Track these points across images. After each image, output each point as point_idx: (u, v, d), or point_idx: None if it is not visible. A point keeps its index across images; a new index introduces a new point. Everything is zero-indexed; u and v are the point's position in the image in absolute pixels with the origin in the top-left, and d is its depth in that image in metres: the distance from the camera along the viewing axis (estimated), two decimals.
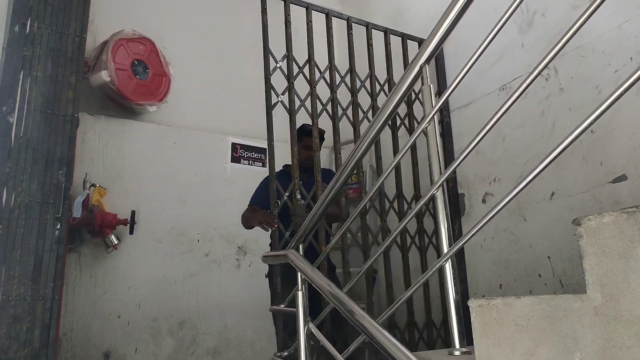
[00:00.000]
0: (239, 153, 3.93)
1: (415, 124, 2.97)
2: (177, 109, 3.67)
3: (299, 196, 2.43)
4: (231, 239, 3.73)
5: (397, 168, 2.76)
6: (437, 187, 1.35)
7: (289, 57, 2.56)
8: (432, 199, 1.39)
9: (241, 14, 3.89)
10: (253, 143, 3.96)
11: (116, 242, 3.15)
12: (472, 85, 2.79)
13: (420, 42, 3.14)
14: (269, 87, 2.49)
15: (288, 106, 2.53)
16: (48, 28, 1.98)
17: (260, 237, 3.31)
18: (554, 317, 0.94)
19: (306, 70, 2.63)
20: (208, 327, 3.53)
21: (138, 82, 3.28)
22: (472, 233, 1.14)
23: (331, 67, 2.70)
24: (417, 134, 1.42)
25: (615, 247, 0.88)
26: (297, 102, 2.56)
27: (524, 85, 1.12)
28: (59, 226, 1.91)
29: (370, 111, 2.81)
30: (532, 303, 0.98)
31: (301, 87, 2.62)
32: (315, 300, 2.07)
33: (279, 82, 2.56)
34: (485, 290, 2.69)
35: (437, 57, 3.10)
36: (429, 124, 1.43)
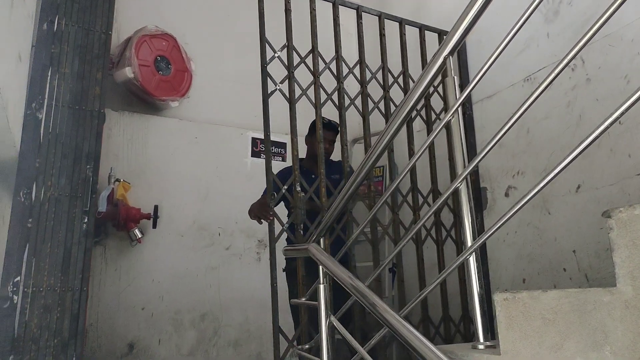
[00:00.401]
0: (259, 147, 3.96)
1: (433, 116, 2.94)
2: (199, 104, 3.71)
3: (298, 189, 2.42)
4: (251, 233, 3.76)
5: (412, 155, 2.73)
6: (461, 180, 1.34)
7: (289, 46, 2.54)
8: (455, 192, 1.38)
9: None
10: (273, 137, 3.93)
11: (140, 236, 3.21)
12: (495, 76, 2.74)
13: (440, 33, 3.10)
14: (265, 76, 2.47)
15: (288, 95, 2.51)
16: (75, 25, 2.02)
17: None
18: (582, 310, 0.92)
19: (309, 60, 2.60)
20: (229, 320, 3.57)
21: (161, 77, 3.33)
22: (497, 226, 1.13)
23: (338, 57, 2.66)
24: (441, 127, 1.41)
25: None
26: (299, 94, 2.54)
27: (551, 77, 1.10)
28: (86, 219, 1.96)
29: (382, 102, 2.77)
30: (560, 296, 0.97)
31: (307, 79, 2.58)
32: (335, 292, 2.07)
33: (283, 73, 2.53)
34: (508, 284, 2.66)
35: (460, 47, 3.06)
36: (452, 117, 1.42)
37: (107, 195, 3.01)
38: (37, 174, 1.91)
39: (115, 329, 3.16)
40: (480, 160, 1.26)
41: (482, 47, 2.99)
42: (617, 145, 2.17)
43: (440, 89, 2.96)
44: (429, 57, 2.96)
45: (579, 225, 2.30)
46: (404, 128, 2.73)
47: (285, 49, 2.53)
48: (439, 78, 1.60)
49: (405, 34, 2.92)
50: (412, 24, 3.00)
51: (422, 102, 2.88)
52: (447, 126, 1.47)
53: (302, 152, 2.86)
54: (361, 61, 2.74)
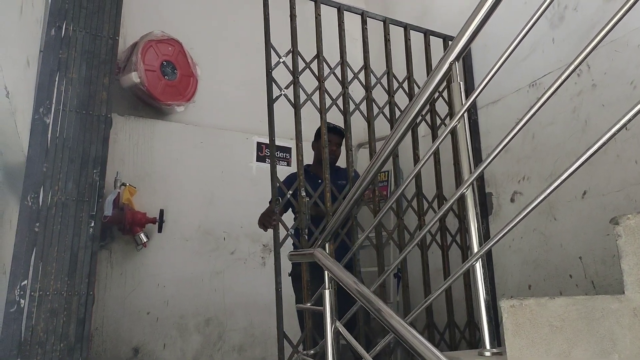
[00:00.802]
0: (264, 152, 3.96)
1: (438, 121, 2.94)
2: (204, 109, 3.72)
3: (303, 193, 2.42)
4: (256, 238, 3.76)
5: (417, 162, 2.73)
6: (467, 186, 1.34)
7: (294, 51, 2.55)
8: (461, 197, 1.38)
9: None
10: (278, 142, 3.93)
11: (145, 240, 3.22)
12: (500, 81, 2.75)
13: (445, 38, 3.10)
14: (270, 81, 2.49)
15: (293, 100, 2.52)
16: (82, 31, 2.04)
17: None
18: (590, 318, 0.92)
19: (314, 66, 2.61)
20: (234, 324, 3.57)
21: (167, 82, 3.35)
22: (503, 233, 1.13)
23: (343, 62, 2.68)
24: (446, 132, 1.41)
25: None
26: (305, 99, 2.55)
27: (557, 84, 1.10)
28: (93, 224, 1.97)
29: (387, 107, 2.77)
30: (567, 304, 0.96)
31: (312, 84, 2.59)
32: (341, 297, 2.07)
33: (288, 78, 2.54)
34: (514, 290, 2.65)
35: (465, 53, 3.06)
36: (458, 122, 1.42)
37: (113, 200, 3.02)
38: (44, 179, 1.92)
39: (120, 334, 3.16)
40: (486, 166, 1.26)
41: (488, 52, 2.99)
42: (623, 151, 2.16)
43: (444, 93, 2.97)
44: (434, 62, 2.97)
45: (585, 231, 2.29)
46: (409, 133, 2.73)
47: (291, 54, 2.54)
48: (444, 83, 1.60)
49: (410, 39, 2.93)
50: (417, 29, 3.01)
51: (427, 107, 2.88)
52: (453, 131, 1.47)
53: (309, 158, 2.86)
54: (366, 66, 2.75)
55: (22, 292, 1.84)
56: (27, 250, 1.89)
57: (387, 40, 2.84)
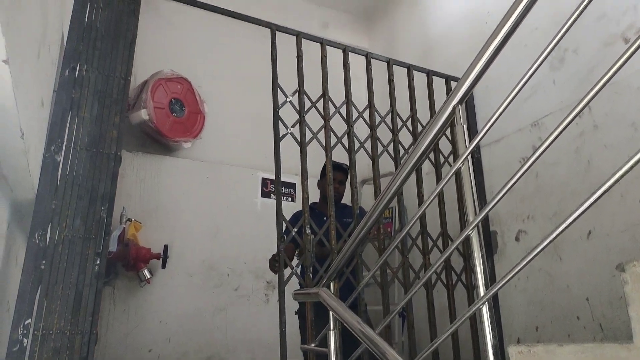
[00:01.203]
0: (269, 188, 3.99)
1: (441, 159, 2.97)
2: (210, 145, 3.78)
3: (308, 231, 2.43)
4: (260, 274, 3.74)
5: (422, 203, 2.74)
6: (472, 228, 1.35)
7: (300, 91, 2.61)
8: (466, 239, 1.39)
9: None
10: (282, 178, 3.99)
11: (149, 277, 3.21)
12: (503, 121, 2.75)
13: (447, 78, 3.17)
14: (277, 119, 2.53)
15: (299, 139, 2.56)
16: (95, 71, 2.10)
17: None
18: None
19: (320, 105, 2.66)
20: None
21: (175, 119, 3.41)
22: (509, 277, 1.13)
23: (348, 102, 2.73)
24: (451, 174, 1.43)
25: None
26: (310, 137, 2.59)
27: (559, 130, 1.12)
28: (98, 261, 1.97)
29: (392, 145, 2.81)
30: (576, 351, 0.96)
31: (317, 123, 2.63)
32: (346, 337, 2.05)
33: (294, 117, 2.59)
34: (521, 332, 2.61)
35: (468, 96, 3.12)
36: (462, 164, 1.44)
37: (118, 235, 3.03)
38: (52, 216, 1.94)
39: None
40: (490, 209, 1.27)
41: (489, 92, 3.05)
42: (627, 191, 2.17)
43: (447, 131, 3.00)
44: (436, 101, 3.03)
45: (591, 272, 2.28)
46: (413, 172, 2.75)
47: (297, 93, 2.60)
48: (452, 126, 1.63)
49: (413, 79, 3.00)
50: (420, 69, 3.08)
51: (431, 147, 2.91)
52: (457, 172, 1.49)
53: (314, 194, 2.88)
54: (370, 105, 2.80)
55: (25, 331, 1.82)
56: (32, 288, 1.89)
57: (390, 81, 2.90)
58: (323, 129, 2.61)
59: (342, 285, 2.40)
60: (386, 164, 2.89)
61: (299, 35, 2.66)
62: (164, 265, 3.29)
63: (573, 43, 2.55)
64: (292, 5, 4.49)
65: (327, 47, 2.74)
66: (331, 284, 2.14)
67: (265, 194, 3.97)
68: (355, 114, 2.73)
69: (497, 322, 2.70)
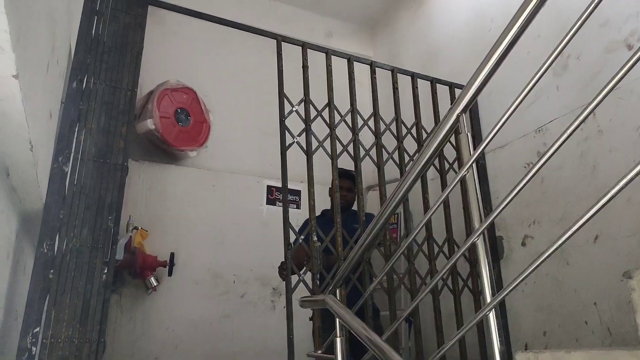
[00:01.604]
0: (274, 195, 4.01)
1: (446, 165, 2.98)
2: (216, 153, 3.80)
3: (315, 238, 2.44)
4: (266, 281, 3.75)
5: (428, 210, 2.75)
6: (478, 235, 1.35)
7: (306, 100, 2.62)
8: (472, 245, 1.39)
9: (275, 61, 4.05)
10: (288, 186, 4.02)
11: (155, 284, 3.22)
12: (507, 127, 2.76)
13: (451, 85, 3.18)
14: (283, 129, 2.55)
15: (305, 148, 2.58)
16: (103, 83, 2.13)
17: (294, 279, 3.32)
18: None
19: (326, 113, 2.68)
20: None
21: (180, 129, 3.44)
22: (516, 283, 1.14)
23: (353, 110, 2.75)
24: (455, 182, 1.44)
25: None
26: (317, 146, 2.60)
27: (564, 137, 1.12)
28: (106, 270, 1.99)
29: (397, 152, 2.82)
30: (584, 358, 0.96)
31: (323, 131, 2.66)
32: (355, 342, 2.05)
33: (300, 125, 2.61)
34: (528, 337, 2.60)
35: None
36: (467, 172, 1.45)
37: (124, 243, 3.05)
38: (60, 225, 1.96)
39: None
40: (496, 216, 1.28)
41: (493, 99, 3.06)
42: (634, 194, 2.16)
43: (452, 138, 3.01)
44: (440, 108, 3.04)
45: (599, 276, 2.27)
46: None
47: (303, 103, 2.62)
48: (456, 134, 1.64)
49: (417, 87, 3.02)
50: (424, 77, 3.10)
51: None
52: (462, 179, 1.50)
53: (319, 201, 2.89)
54: (375, 113, 2.82)
55: (34, 340, 1.84)
56: (40, 297, 1.90)
57: (395, 89, 2.92)
58: (329, 138, 2.63)
59: (350, 291, 2.40)
60: (392, 170, 2.90)
61: (304, 46, 2.68)
62: (170, 273, 3.31)
63: (576, 49, 2.55)
64: (296, 15, 4.52)
65: (332, 56, 2.76)
66: (337, 291, 2.15)
67: (270, 202, 3.99)
68: (360, 122, 2.74)
69: (504, 328, 2.70)
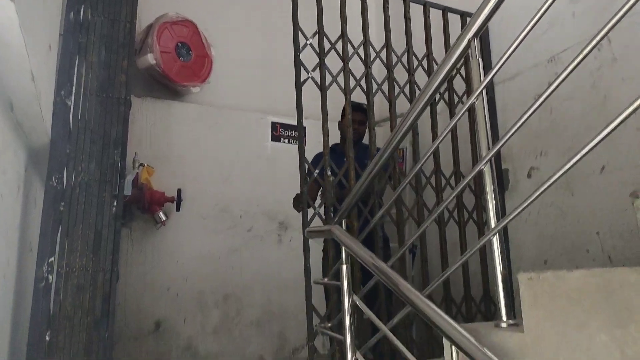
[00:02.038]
0: (279, 132, 3.99)
1: (455, 99, 2.93)
2: (219, 90, 3.74)
3: (329, 173, 2.46)
4: (272, 215, 3.82)
5: (436, 137, 2.73)
6: (485, 162, 1.35)
7: (320, 32, 2.55)
8: (479, 174, 1.39)
9: None
10: (293, 122, 3.99)
11: (164, 219, 3.29)
12: (518, 57, 2.68)
13: (462, 14, 3.06)
14: (298, 63, 2.49)
15: (319, 82, 2.53)
16: (101, 15, 2.06)
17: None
18: (608, 289, 0.94)
19: (339, 46, 2.61)
20: (251, 300, 3.66)
21: (182, 64, 3.37)
22: (520, 209, 1.15)
23: (366, 42, 2.67)
24: (465, 109, 1.42)
25: None
26: (329, 80, 2.55)
27: (577, 61, 1.09)
28: (115, 203, 2.02)
29: (407, 86, 2.78)
30: (585, 276, 0.98)
31: (333, 64, 2.61)
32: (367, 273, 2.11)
33: (311, 59, 2.55)
34: (530, 265, 2.67)
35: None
36: (476, 100, 1.42)
37: (132, 180, 3.08)
38: (67, 160, 1.98)
39: (142, 309, 3.26)
40: (504, 143, 1.27)
41: (505, 27, 2.94)
42: None
43: (462, 70, 2.95)
44: (452, 39, 2.94)
45: (603, 206, 2.29)
46: (428, 110, 2.73)
47: (317, 35, 2.54)
48: (462, 60, 1.59)
49: (429, 17, 2.91)
50: (436, 6, 2.98)
51: (445, 85, 2.87)
52: (470, 108, 1.47)
53: (316, 136, 2.89)
54: (388, 45, 2.74)
55: (49, 269, 1.91)
56: (53, 229, 1.96)
57: (407, 19, 2.83)
58: (342, 72, 2.57)
59: (362, 223, 2.45)
60: (402, 104, 2.86)
61: None
62: (178, 208, 3.36)
63: None
64: None
65: None
66: (343, 221, 2.19)
67: (275, 138, 3.97)
68: (372, 56, 2.68)
69: (507, 254, 2.76)
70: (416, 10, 2.92)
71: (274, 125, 3.98)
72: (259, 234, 3.77)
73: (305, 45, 2.50)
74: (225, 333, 3.52)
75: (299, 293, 3.74)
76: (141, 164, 3.25)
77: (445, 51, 2.89)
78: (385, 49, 2.73)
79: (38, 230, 1.98)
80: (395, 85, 2.73)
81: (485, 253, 2.63)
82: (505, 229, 2.72)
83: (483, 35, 3.06)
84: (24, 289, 1.94)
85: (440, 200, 2.68)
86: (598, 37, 1.04)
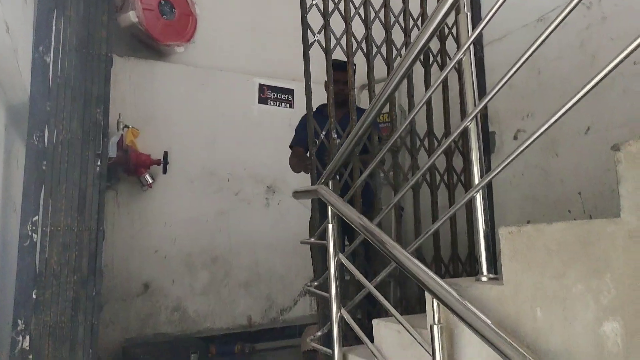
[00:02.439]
0: (266, 94, 3.93)
1: (448, 61, 2.90)
2: (205, 50, 3.66)
3: (335, 135, 2.44)
4: (260, 179, 3.81)
5: (429, 105, 2.71)
6: (471, 119, 1.35)
7: None
8: (465, 132, 1.39)
9: None
10: (280, 84, 3.94)
11: (150, 181, 3.27)
12: (507, 16, 2.66)
13: None
14: (305, 26, 2.44)
15: (324, 45, 2.49)
16: None
17: (289, 177, 3.38)
18: (586, 241, 0.96)
19: (341, 6, 2.55)
20: (239, 262, 3.69)
21: (165, 22, 3.27)
22: (503, 165, 1.14)
23: (366, 1, 2.61)
24: (452, 64, 1.39)
25: None
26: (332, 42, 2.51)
27: (563, 14, 1.06)
28: (99, 162, 2.00)
29: (404, 48, 2.73)
30: (564, 228, 1.00)
31: (334, 25, 2.54)
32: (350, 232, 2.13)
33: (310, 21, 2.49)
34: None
35: None
36: (464, 55, 1.40)
37: (116, 141, 3.04)
38: (48, 118, 1.93)
39: (130, 270, 3.28)
40: (490, 98, 1.26)
41: None
42: (630, 85, 2.14)
43: (454, 31, 2.90)
44: None
45: (587, 167, 2.31)
46: (422, 72, 2.69)
47: None
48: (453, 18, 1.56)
49: None
50: None
51: (439, 47, 2.82)
52: (459, 68, 1.46)
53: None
54: (386, 4, 2.67)
55: (34, 227, 1.89)
56: (36, 188, 1.93)
57: None
58: (345, 34, 2.51)
59: (364, 188, 2.45)
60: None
61: None
62: (164, 171, 3.34)
63: None
64: None
65: None
66: (329, 182, 2.19)
67: (262, 100, 3.92)
68: (372, 16, 2.62)
69: (491, 213, 2.80)
70: None
71: (261, 87, 3.92)
72: (246, 198, 3.77)
73: (312, 6, 2.44)
74: (213, 294, 3.57)
75: (286, 255, 3.81)
76: (126, 126, 3.20)
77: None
78: (383, 8, 2.67)
79: (21, 189, 1.95)
80: (393, 48, 2.68)
81: (472, 214, 2.66)
82: (490, 189, 2.76)
83: None
84: (8, 249, 1.93)
85: (432, 164, 2.69)
86: None
